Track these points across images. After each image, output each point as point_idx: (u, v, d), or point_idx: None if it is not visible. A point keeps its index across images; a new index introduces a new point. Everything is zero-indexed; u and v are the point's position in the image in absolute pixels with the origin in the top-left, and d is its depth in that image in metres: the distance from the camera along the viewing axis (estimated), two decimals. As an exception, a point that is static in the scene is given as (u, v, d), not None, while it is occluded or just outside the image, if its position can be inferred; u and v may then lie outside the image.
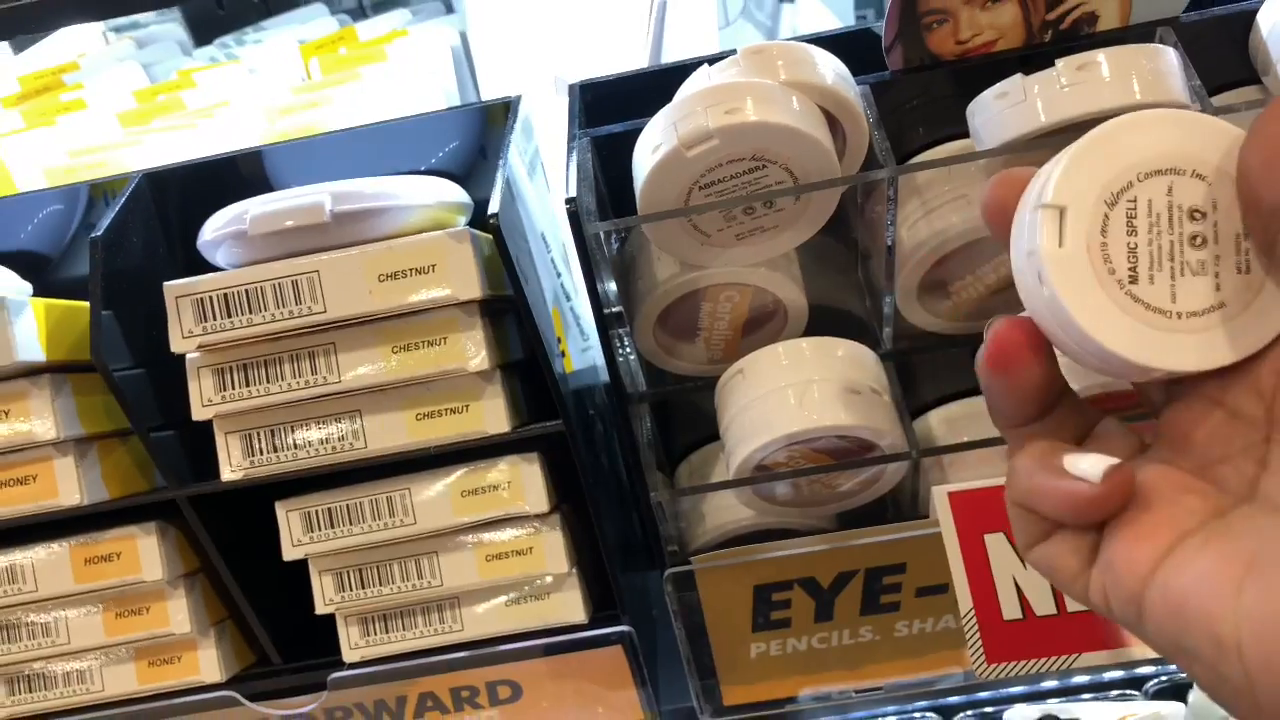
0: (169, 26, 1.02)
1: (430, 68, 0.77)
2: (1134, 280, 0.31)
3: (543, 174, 0.68)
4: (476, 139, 0.64)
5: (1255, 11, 0.53)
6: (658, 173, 0.48)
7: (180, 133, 0.75)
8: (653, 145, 0.48)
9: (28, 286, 0.60)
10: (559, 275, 0.70)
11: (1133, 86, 0.45)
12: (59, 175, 0.71)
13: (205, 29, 1.02)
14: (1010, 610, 0.54)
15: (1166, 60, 0.47)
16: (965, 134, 0.53)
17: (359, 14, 1.06)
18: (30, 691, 0.63)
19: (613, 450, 0.71)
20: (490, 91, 0.84)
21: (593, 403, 0.68)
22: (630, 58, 0.79)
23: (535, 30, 0.81)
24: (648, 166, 0.48)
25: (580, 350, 0.74)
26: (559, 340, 0.68)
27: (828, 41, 0.55)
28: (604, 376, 0.74)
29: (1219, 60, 0.54)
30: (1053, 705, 0.75)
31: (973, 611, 0.54)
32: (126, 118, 0.79)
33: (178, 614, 0.62)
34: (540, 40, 0.81)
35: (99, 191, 0.66)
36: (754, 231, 0.52)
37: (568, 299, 0.72)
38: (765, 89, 0.47)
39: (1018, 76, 0.47)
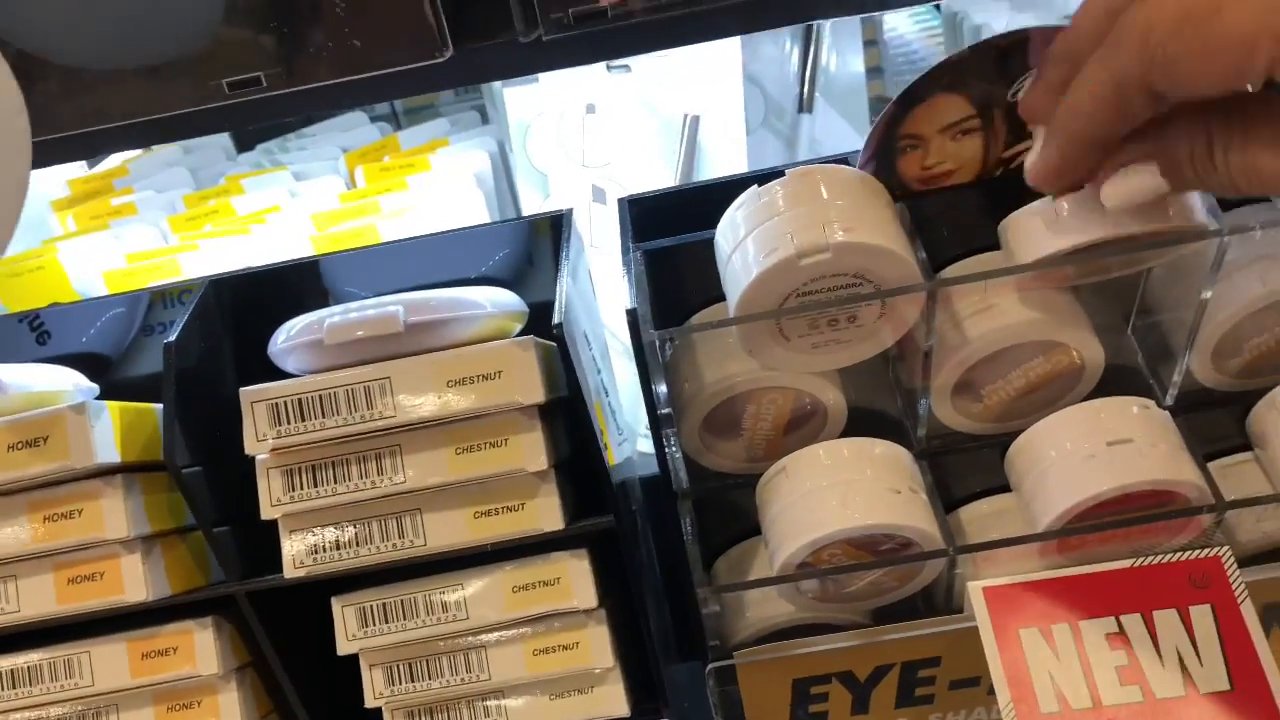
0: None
1: (471, 176, 0.81)
2: None
3: (587, 276, 0.71)
4: (525, 248, 0.68)
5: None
6: (769, 274, 0.51)
7: (233, 237, 0.78)
8: (767, 249, 0.51)
9: (95, 388, 0.62)
10: (599, 372, 0.73)
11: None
12: (117, 279, 0.74)
13: (248, 134, 1.07)
14: (1047, 704, 0.56)
15: None
16: (990, 247, 0.57)
17: (393, 119, 1.11)
18: (79, 787, 0.64)
19: (649, 543, 0.73)
20: (528, 198, 0.88)
21: (632, 496, 0.70)
22: (660, 168, 0.84)
23: (575, 141, 0.86)
24: (758, 268, 0.51)
25: (617, 444, 0.76)
26: (602, 432, 0.71)
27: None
28: (638, 471, 0.76)
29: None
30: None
31: (1011, 705, 0.56)
32: (178, 222, 0.82)
33: (229, 707, 0.63)
34: (579, 151, 0.86)
35: (159, 296, 0.69)
36: (829, 343, 0.55)
37: (605, 394, 0.75)
38: (877, 214, 0.52)
39: (1048, 198, 0.51)
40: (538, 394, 0.54)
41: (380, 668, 0.62)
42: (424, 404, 0.54)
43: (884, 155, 0.57)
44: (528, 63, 0.59)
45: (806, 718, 0.65)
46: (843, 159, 0.62)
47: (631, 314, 0.53)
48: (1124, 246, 0.52)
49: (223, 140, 1.04)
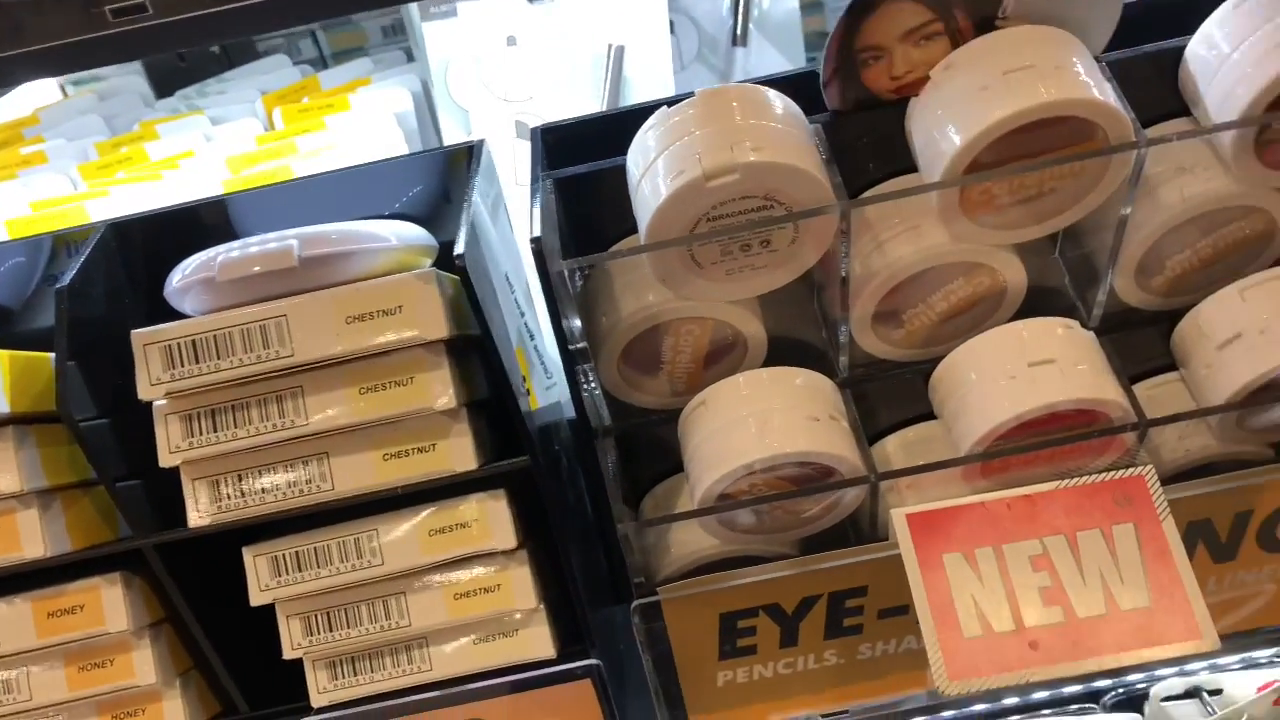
0: (131, 79, 1.02)
1: (392, 115, 0.79)
2: None
3: (505, 215, 0.69)
4: (440, 183, 0.66)
5: (1183, 47, 0.56)
6: (675, 199, 0.49)
7: (144, 184, 0.75)
8: (674, 171, 0.49)
9: (-9, 338, 0.60)
10: (522, 315, 0.71)
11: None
12: (21, 227, 0.72)
13: (167, 81, 1.03)
14: (970, 628, 0.56)
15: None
16: (914, 168, 0.55)
17: (320, 64, 1.07)
18: (-7, 748, 0.62)
19: (578, 485, 0.71)
20: (451, 136, 0.86)
21: (558, 438, 0.69)
22: (587, 102, 0.81)
23: (496, 76, 0.83)
24: (666, 191, 0.49)
25: (544, 388, 0.75)
26: (524, 378, 0.69)
27: (781, 83, 0.58)
28: (568, 413, 0.75)
29: (1153, 94, 0.56)
30: (1015, 723, 0.76)
31: (934, 630, 0.56)
32: (89, 170, 0.79)
33: (143, 665, 0.62)
34: (501, 86, 0.83)
35: (62, 242, 0.67)
36: (744, 269, 0.54)
37: (531, 338, 0.73)
38: (790, 134, 0.50)
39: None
40: (440, 329, 0.52)
41: (297, 618, 0.61)
42: (323, 342, 0.52)
43: (845, 70, 0.55)
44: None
45: (735, 652, 0.65)
46: (783, 79, 0.60)
47: (536, 242, 0.51)
48: (1037, 161, 0.50)
49: (140, 87, 1.01)
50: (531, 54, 0.81)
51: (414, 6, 0.83)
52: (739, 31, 0.90)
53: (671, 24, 0.86)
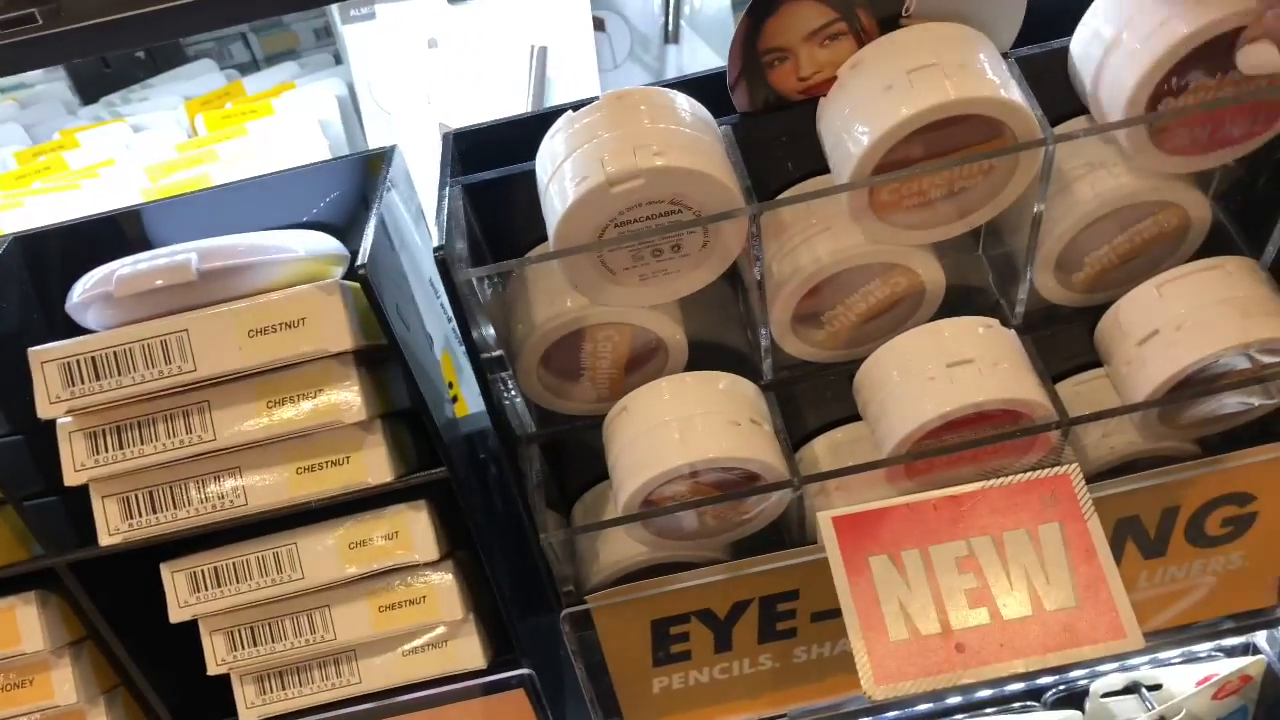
0: (54, 86, 1.00)
1: (316, 120, 0.77)
2: None
3: (425, 222, 0.68)
4: (357, 190, 0.65)
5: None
6: (580, 205, 0.49)
7: (62, 194, 0.74)
8: (578, 177, 0.49)
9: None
10: (450, 320, 0.70)
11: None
12: (-67, 241, 0.70)
13: (92, 88, 1.01)
14: (896, 631, 0.55)
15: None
16: (827, 169, 0.55)
17: (252, 67, 1.05)
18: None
19: (509, 492, 0.71)
20: (378, 141, 0.85)
21: (485, 446, 0.68)
22: (511, 104, 0.80)
23: (420, 79, 0.82)
24: (571, 196, 0.49)
25: (477, 394, 0.74)
26: (450, 385, 0.68)
27: (698, 83, 0.57)
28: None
29: (1069, 89, 0.56)
30: (959, 720, 0.77)
31: (860, 634, 0.55)
32: (5, 180, 0.78)
33: (63, 684, 0.60)
34: (425, 89, 0.82)
35: (-29, 257, 0.65)
36: (657, 274, 0.53)
37: (461, 343, 0.72)
38: (696, 137, 0.49)
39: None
40: (345, 341, 0.51)
41: (221, 633, 0.60)
42: (226, 356, 0.51)
43: (752, 73, 0.54)
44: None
45: (669, 659, 0.64)
46: (696, 79, 0.59)
47: (439, 250, 0.50)
48: (944, 160, 0.50)
49: (63, 94, 0.99)
50: (453, 56, 0.80)
51: (334, 9, 0.81)
52: (670, 29, 0.89)
53: (603, 22, 0.85)
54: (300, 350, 0.51)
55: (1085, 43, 0.52)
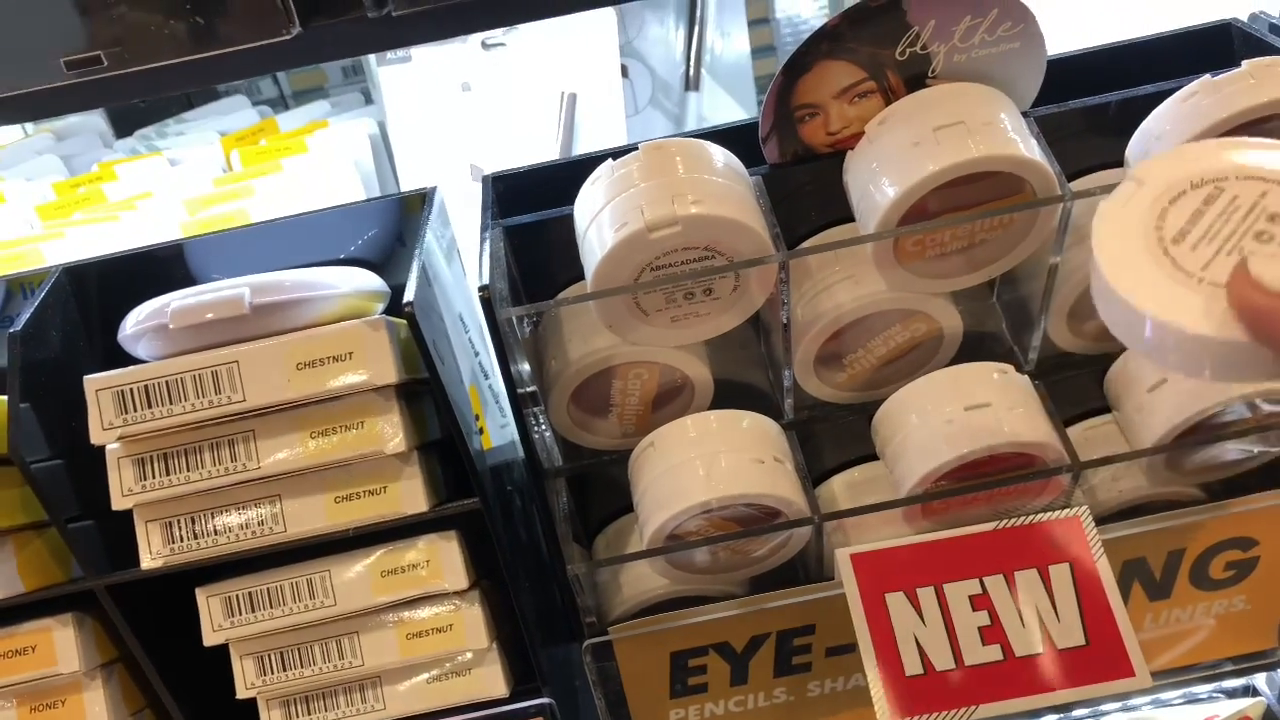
0: (89, 118, 1.03)
1: (349, 158, 0.80)
2: (1176, 242, 0.33)
3: (459, 259, 0.70)
4: (394, 227, 0.67)
5: (1109, 105, 0.58)
6: (619, 248, 0.51)
7: (102, 224, 0.76)
8: (618, 223, 0.51)
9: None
10: (476, 354, 0.72)
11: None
12: (-24, 269, 0.72)
13: (126, 121, 1.04)
14: (912, 666, 0.57)
15: None
16: (849, 218, 0.57)
17: (280, 104, 1.08)
18: (-61, 795, 0.62)
19: (532, 524, 0.72)
20: (408, 179, 0.87)
21: (511, 478, 0.70)
22: (541, 147, 0.83)
23: (452, 120, 0.84)
24: (611, 240, 0.51)
25: (499, 427, 0.76)
26: (477, 418, 0.70)
27: (726, 134, 0.60)
28: (522, 452, 0.76)
29: (1086, 145, 0.59)
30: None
31: (877, 669, 0.57)
32: (46, 210, 0.80)
33: (94, 706, 0.62)
34: (456, 130, 0.85)
35: (16, 285, 0.67)
36: (688, 316, 0.55)
37: (485, 377, 0.74)
38: (730, 186, 0.52)
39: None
40: (390, 374, 0.53)
41: (251, 657, 0.61)
42: (274, 387, 0.53)
43: (784, 126, 0.57)
44: (378, 39, 0.57)
45: (686, 691, 0.66)
46: (727, 130, 0.62)
47: (484, 290, 0.52)
48: (967, 214, 0.52)
49: (99, 126, 1.01)
50: (486, 100, 0.83)
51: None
52: (691, 76, 0.92)
53: (626, 69, 0.88)
54: (347, 382, 0.53)
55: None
